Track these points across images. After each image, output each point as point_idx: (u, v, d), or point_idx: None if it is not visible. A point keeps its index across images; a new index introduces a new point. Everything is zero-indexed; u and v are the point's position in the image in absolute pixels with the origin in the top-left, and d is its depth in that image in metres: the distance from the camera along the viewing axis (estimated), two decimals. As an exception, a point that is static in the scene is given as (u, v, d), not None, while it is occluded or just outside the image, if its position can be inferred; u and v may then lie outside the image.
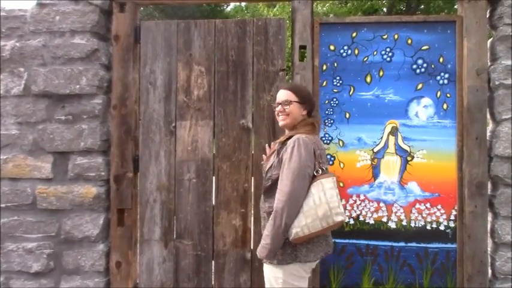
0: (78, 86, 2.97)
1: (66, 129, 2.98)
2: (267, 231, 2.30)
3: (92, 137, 2.97)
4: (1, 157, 3.00)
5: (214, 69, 3.10)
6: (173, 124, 3.12)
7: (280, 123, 2.53)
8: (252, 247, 3.05)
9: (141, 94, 3.13)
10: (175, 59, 3.13)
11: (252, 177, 3.05)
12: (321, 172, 2.36)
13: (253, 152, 3.06)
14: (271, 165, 2.43)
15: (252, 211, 3.05)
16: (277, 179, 2.36)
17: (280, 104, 2.52)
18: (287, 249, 2.34)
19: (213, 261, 3.08)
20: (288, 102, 2.49)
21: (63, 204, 2.98)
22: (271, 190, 2.40)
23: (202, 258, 3.08)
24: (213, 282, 3.09)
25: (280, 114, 2.52)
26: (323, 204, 2.29)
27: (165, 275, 3.10)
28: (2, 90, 3.01)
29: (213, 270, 3.09)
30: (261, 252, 2.33)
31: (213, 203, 3.09)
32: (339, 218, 2.29)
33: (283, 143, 2.44)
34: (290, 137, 2.41)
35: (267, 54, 3.08)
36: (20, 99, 3.00)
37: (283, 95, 2.53)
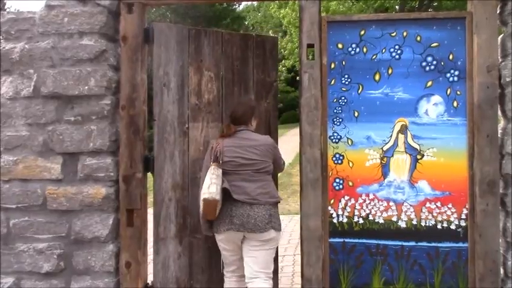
0: (86, 87, 2.98)
1: (75, 130, 3.00)
2: None
3: (100, 137, 2.98)
4: (11, 158, 3.03)
5: (222, 76, 3.32)
6: (186, 125, 3.23)
7: None
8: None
9: (155, 95, 3.16)
10: (187, 63, 3.23)
11: None
12: (215, 165, 2.97)
13: None
14: None
15: None
16: None
17: None
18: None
19: None
20: None
21: (72, 204, 2.99)
22: None
23: (213, 250, 3.22)
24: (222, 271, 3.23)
25: None
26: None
27: (180, 270, 3.20)
28: (12, 92, 3.03)
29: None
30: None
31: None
32: (203, 196, 2.90)
33: None
34: None
35: (265, 66, 3.47)
36: (29, 100, 3.02)
37: None
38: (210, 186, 2.88)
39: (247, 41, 3.41)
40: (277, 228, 3.00)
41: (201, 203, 2.92)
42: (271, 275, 3.04)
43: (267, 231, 2.93)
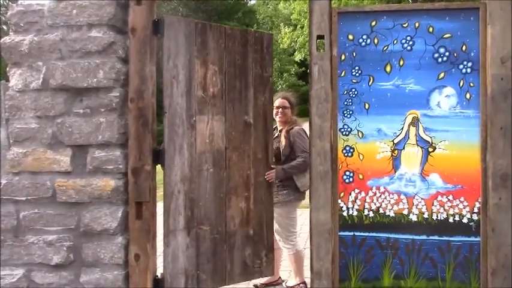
0: (95, 79, 2.98)
1: (84, 122, 3.00)
2: (291, 165, 4.30)
3: (109, 130, 2.98)
4: (21, 151, 3.03)
5: (225, 70, 3.41)
6: (194, 118, 3.25)
7: (277, 119, 4.51)
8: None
9: (165, 88, 3.17)
10: (194, 57, 3.26)
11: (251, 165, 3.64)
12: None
13: (252, 144, 3.60)
14: (284, 146, 4.37)
15: (252, 194, 3.59)
16: (288, 154, 4.36)
17: (280, 108, 4.50)
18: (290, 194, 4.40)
19: (225, 242, 3.44)
20: (284, 108, 4.52)
21: (82, 197, 3.00)
22: (285, 161, 4.32)
23: (218, 240, 3.36)
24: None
25: (279, 114, 4.50)
26: None
27: (188, 261, 3.23)
28: (21, 84, 3.03)
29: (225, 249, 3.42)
30: (277, 171, 3.96)
31: (225, 189, 3.48)
32: None
33: (288, 132, 4.40)
34: (291, 128, 4.43)
35: (262, 61, 3.64)
36: (38, 93, 3.02)
37: (281, 102, 4.54)
38: None
39: (247, 36, 3.57)
40: None
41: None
42: None
43: None
